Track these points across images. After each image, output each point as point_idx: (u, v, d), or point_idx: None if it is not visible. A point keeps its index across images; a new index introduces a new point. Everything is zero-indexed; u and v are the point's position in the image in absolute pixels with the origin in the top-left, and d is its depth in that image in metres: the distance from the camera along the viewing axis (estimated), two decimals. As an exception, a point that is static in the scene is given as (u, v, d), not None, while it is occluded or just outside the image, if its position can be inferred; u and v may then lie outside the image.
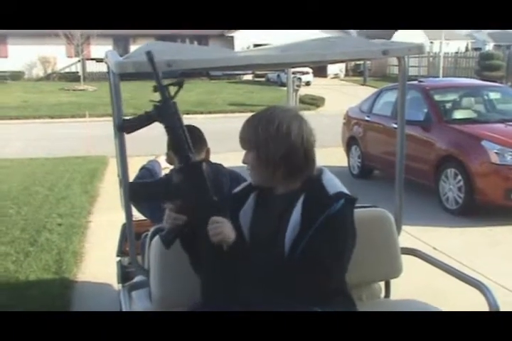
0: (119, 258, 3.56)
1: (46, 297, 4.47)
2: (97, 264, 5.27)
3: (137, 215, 3.23)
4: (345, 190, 2.11)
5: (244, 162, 2.14)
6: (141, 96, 24.60)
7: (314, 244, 1.96)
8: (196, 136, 3.04)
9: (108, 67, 2.63)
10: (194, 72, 3.46)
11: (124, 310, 2.56)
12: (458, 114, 8.03)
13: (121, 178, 2.48)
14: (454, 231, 6.40)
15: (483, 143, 6.87)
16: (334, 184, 2.11)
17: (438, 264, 2.75)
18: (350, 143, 9.84)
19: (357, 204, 2.68)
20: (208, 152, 3.17)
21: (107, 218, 6.44)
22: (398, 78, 2.77)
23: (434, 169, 7.42)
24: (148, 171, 3.20)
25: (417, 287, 4.41)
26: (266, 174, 2.09)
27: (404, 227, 6.53)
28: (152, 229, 2.60)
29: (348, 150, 9.91)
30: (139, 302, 2.73)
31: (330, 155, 10.67)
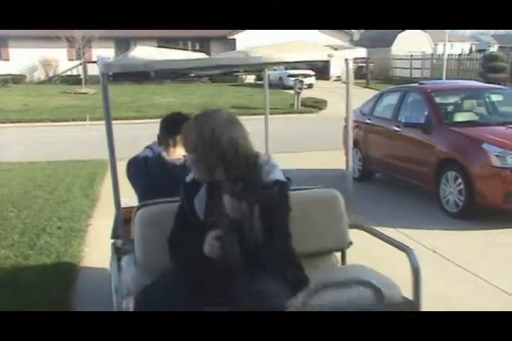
0: (113, 241, 3.83)
1: (45, 300, 4.47)
2: (96, 268, 5.26)
3: (128, 203, 3.65)
4: (280, 176, 2.50)
5: (187, 162, 2.57)
6: (140, 99, 24.75)
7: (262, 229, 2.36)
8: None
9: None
10: (179, 72, 3.90)
11: (113, 277, 3.26)
12: (459, 117, 7.99)
13: (110, 165, 2.99)
14: (453, 234, 6.38)
15: (484, 145, 6.84)
16: (269, 172, 2.46)
17: (380, 236, 3.18)
18: (350, 145, 9.77)
19: (312, 186, 3.43)
20: None
21: (107, 222, 6.31)
22: (346, 79, 3.29)
23: (435, 172, 7.40)
24: (150, 150, 3.66)
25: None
26: (207, 172, 2.46)
27: (404, 230, 6.52)
28: (138, 204, 3.11)
29: (348, 153, 9.84)
30: (126, 270, 3.12)
31: (331, 158, 10.66)
